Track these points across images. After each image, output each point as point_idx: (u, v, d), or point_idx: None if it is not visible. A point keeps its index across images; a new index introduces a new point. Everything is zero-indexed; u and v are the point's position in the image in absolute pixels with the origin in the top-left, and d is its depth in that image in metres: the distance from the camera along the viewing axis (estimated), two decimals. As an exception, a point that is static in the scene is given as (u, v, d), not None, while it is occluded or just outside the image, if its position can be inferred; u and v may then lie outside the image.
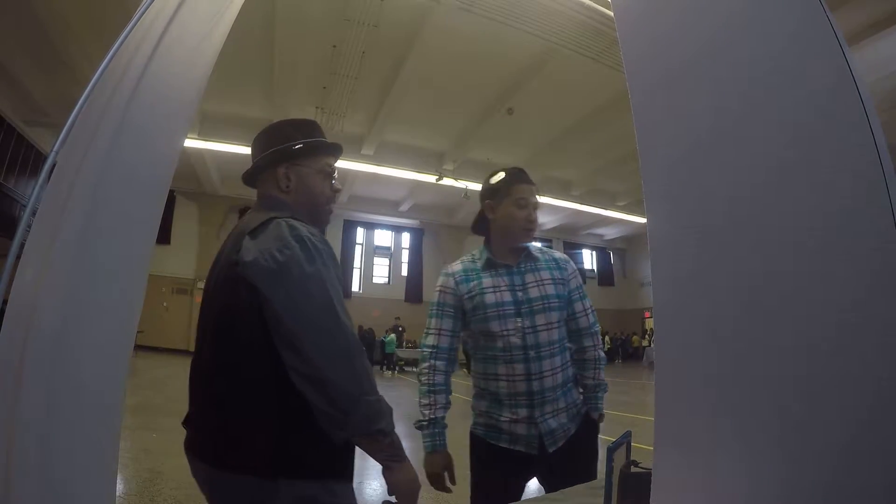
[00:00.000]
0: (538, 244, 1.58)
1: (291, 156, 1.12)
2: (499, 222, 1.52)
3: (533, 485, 1.57)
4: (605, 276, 20.43)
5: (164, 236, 13.03)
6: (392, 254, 17.39)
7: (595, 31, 6.73)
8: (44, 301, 1.07)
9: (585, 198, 14.24)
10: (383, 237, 17.34)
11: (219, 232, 14.42)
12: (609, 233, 18.75)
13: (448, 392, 1.49)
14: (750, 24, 0.82)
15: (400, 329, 14.13)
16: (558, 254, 1.64)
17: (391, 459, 0.91)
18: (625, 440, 1.12)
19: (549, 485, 1.45)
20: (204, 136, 10.18)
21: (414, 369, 13.19)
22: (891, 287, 0.64)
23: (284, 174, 1.11)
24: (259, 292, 0.89)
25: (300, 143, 1.12)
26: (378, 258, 17.00)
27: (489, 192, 1.55)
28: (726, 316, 0.77)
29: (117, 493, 2.84)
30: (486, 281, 1.47)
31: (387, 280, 16.94)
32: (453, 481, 1.42)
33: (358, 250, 16.64)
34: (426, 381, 1.47)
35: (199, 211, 14.19)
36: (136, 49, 1.28)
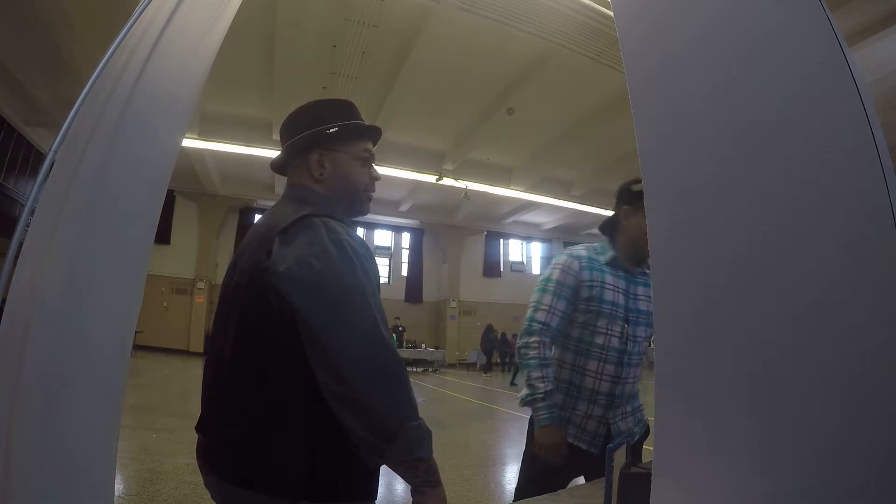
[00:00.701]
0: None
1: (326, 140, 1.00)
2: (631, 230, 1.49)
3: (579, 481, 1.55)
4: (605, 276, 20.33)
5: (164, 236, 13.01)
6: (392, 254, 17.39)
7: (595, 31, 6.72)
8: (42, 300, 1.07)
9: (585, 198, 14.23)
10: (383, 237, 17.34)
11: (219, 232, 14.42)
12: (609, 233, 18.75)
13: (545, 367, 1.43)
14: (749, 24, 0.82)
15: (400, 329, 14.13)
16: None
17: (426, 484, 0.83)
18: (625, 440, 1.12)
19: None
20: (204, 136, 10.16)
21: (415, 370, 13.21)
22: (891, 287, 0.63)
23: (318, 161, 0.99)
24: (292, 306, 0.80)
25: (336, 126, 1.00)
26: (378, 258, 16.95)
27: (628, 198, 1.50)
28: (726, 316, 0.77)
29: (117, 493, 2.84)
30: (609, 278, 1.46)
31: (387, 280, 16.93)
32: (566, 453, 1.39)
33: (358, 250, 16.53)
34: (536, 356, 1.41)
35: (199, 211, 14.16)
36: (135, 48, 1.28)
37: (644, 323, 1.49)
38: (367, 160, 1.05)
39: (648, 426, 1.58)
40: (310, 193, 0.99)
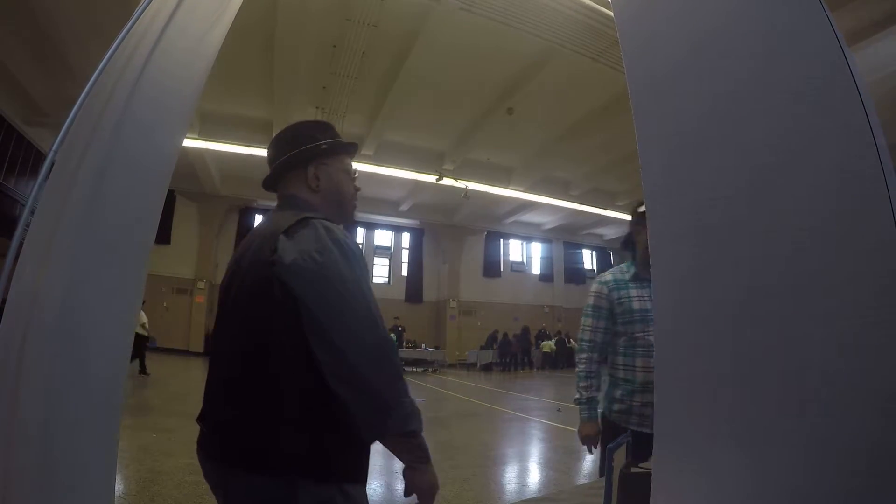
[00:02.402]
0: None
1: (319, 155, 1.12)
2: (643, 246, 1.75)
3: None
4: (605, 276, 20.34)
5: (164, 236, 13.00)
6: (392, 254, 17.38)
7: (595, 31, 6.72)
8: (43, 300, 1.07)
9: (585, 198, 14.22)
10: (383, 237, 17.32)
11: (218, 232, 14.42)
12: (609, 233, 18.72)
13: (599, 377, 1.82)
14: (750, 24, 0.82)
15: (400, 329, 14.12)
16: None
17: (418, 461, 0.92)
18: (625, 440, 1.12)
19: None
20: (204, 136, 10.16)
21: (415, 370, 13.23)
22: (891, 287, 0.63)
23: (314, 174, 1.11)
24: (296, 293, 0.89)
25: (326, 143, 1.13)
26: (378, 258, 17.00)
27: (637, 218, 1.83)
28: (726, 316, 0.77)
29: (117, 493, 2.84)
30: (633, 291, 1.77)
31: (387, 280, 16.93)
32: (596, 445, 1.76)
33: (358, 250, 16.54)
34: (584, 369, 1.81)
35: (199, 211, 14.16)
36: (135, 48, 1.28)
37: None
38: (350, 173, 1.19)
39: None
40: (304, 202, 1.10)
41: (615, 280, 1.82)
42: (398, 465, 0.95)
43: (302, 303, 0.88)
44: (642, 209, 1.72)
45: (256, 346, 0.93)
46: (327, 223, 0.98)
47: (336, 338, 0.86)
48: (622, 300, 1.77)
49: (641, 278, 1.77)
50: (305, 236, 0.94)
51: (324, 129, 1.18)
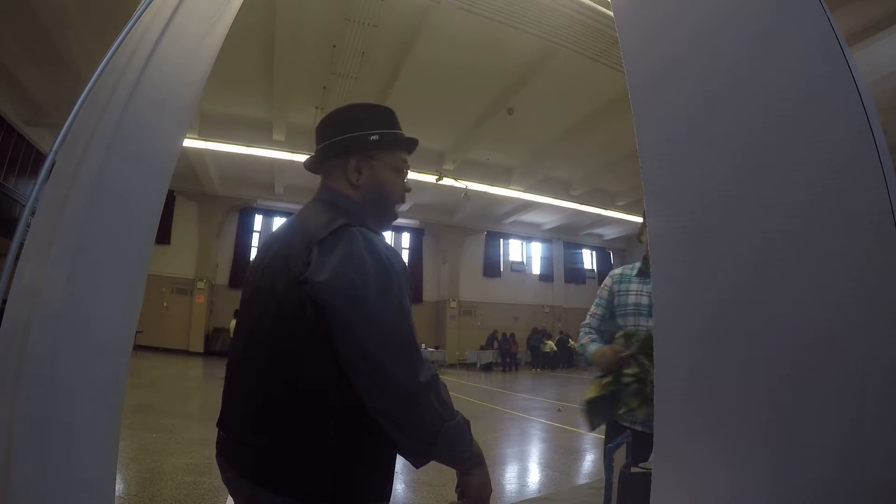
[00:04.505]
0: None
1: (366, 146, 0.99)
2: (646, 244, 1.88)
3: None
4: (605, 275, 20.33)
5: (164, 236, 13.00)
6: (392, 254, 17.38)
7: (595, 31, 6.72)
8: (43, 300, 1.07)
9: (585, 198, 14.22)
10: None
11: (219, 232, 14.41)
12: (609, 233, 18.73)
13: (593, 341, 1.89)
14: (750, 24, 0.82)
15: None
16: None
17: (472, 468, 0.90)
18: (625, 440, 1.12)
19: None
20: (204, 136, 10.16)
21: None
22: (891, 287, 0.64)
23: (356, 167, 0.99)
24: (329, 316, 0.82)
25: (377, 135, 0.99)
26: (378, 258, 16.97)
27: (644, 216, 1.96)
28: (726, 316, 0.77)
29: (117, 493, 2.83)
30: (633, 286, 1.85)
31: (387, 280, 16.91)
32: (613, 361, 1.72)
33: (358, 250, 16.52)
34: (582, 335, 1.94)
35: (199, 211, 14.16)
36: (135, 49, 1.28)
37: None
38: (401, 171, 1.04)
39: None
40: (343, 199, 0.99)
41: (622, 274, 1.93)
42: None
43: (336, 326, 0.81)
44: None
45: (284, 367, 0.86)
46: (368, 233, 0.88)
47: (375, 369, 0.80)
48: (621, 293, 1.87)
49: (646, 274, 1.84)
50: (342, 249, 0.84)
51: (379, 115, 1.04)
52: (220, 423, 0.96)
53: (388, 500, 0.93)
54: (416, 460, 0.86)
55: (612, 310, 1.90)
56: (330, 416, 0.84)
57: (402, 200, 1.06)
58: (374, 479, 0.89)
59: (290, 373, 0.85)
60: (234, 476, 0.90)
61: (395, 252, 0.90)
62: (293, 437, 0.84)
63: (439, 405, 0.84)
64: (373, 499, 0.89)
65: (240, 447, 0.90)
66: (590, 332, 1.91)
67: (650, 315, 1.75)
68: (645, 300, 1.80)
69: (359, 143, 0.99)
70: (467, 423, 0.88)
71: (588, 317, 1.97)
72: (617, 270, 2.00)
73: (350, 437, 0.85)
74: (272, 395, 0.86)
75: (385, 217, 1.05)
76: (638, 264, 1.91)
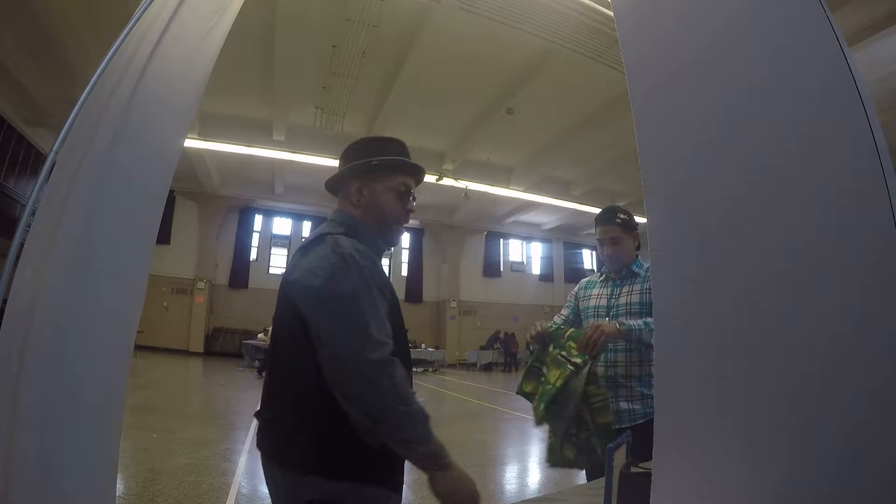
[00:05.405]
0: (646, 263, 1.93)
1: (368, 171, 1.12)
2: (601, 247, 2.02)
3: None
4: (605, 276, 20.35)
5: (164, 236, 12.99)
6: (392, 254, 17.38)
7: (595, 31, 6.71)
8: (43, 301, 1.07)
9: (585, 198, 14.22)
10: (383, 237, 17.34)
11: (219, 232, 14.42)
12: (609, 233, 18.73)
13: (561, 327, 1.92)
14: (750, 24, 0.82)
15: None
16: None
17: (432, 467, 0.91)
18: (625, 440, 1.12)
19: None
20: (204, 136, 10.15)
21: (415, 370, 13.18)
22: (891, 287, 0.64)
23: (358, 189, 1.12)
24: (300, 310, 0.94)
25: (376, 160, 1.12)
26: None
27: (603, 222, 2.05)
28: (726, 316, 0.77)
29: (117, 493, 2.83)
30: (595, 291, 1.98)
31: (386, 280, 16.92)
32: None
33: (358, 250, 16.53)
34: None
35: (199, 211, 14.15)
36: (136, 49, 1.28)
37: (623, 313, 1.82)
38: (402, 193, 1.15)
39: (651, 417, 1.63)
40: (348, 217, 1.12)
41: (588, 281, 2.08)
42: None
43: (305, 315, 0.93)
44: (621, 216, 1.96)
45: (285, 359, 1.00)
46: (341, 238, 0.99)
47: (328, 354, 0.90)
48: (585, 298, 2.01)
49: (609, 279, 1.95)
50: (314, 252, 0.99)
51: (386, 144, 1.17)
52: (256, 414, 1.08)
53: (398, 492, 0.98)
54: (367, 438, 0.90)
55: (577, 313, 2.03)
56: (311, 397, 0.93)
57: (403, 220, 1.16)
58: (362, 459, 0.92)
59: (290, 363, 0.98)
60: (266, 463, 1.03)
61: (367, 254, 0.99)
62: (295, 423, 0.95)
63: (390, 386, 0.89)
64: (361, 479, 0.93)
65: (266, 435, 1.04)
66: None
67: (607, 315, 1.88)
68: (603, 302, 1.92)
69: (362, 168, 1.12)
70: (425, 416, 0.91)
71: (555, 317, 2.07)
72: (585, 279, 2.13)
73: (336, 419, 0.91)
74: (279, 385, 1.02)
75: (386, 234, 1.15)
76: (605, 271, 2.01)
